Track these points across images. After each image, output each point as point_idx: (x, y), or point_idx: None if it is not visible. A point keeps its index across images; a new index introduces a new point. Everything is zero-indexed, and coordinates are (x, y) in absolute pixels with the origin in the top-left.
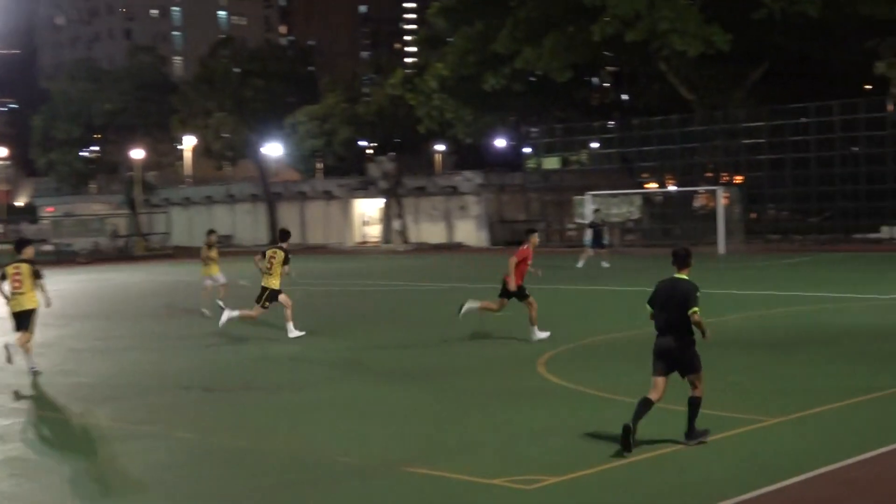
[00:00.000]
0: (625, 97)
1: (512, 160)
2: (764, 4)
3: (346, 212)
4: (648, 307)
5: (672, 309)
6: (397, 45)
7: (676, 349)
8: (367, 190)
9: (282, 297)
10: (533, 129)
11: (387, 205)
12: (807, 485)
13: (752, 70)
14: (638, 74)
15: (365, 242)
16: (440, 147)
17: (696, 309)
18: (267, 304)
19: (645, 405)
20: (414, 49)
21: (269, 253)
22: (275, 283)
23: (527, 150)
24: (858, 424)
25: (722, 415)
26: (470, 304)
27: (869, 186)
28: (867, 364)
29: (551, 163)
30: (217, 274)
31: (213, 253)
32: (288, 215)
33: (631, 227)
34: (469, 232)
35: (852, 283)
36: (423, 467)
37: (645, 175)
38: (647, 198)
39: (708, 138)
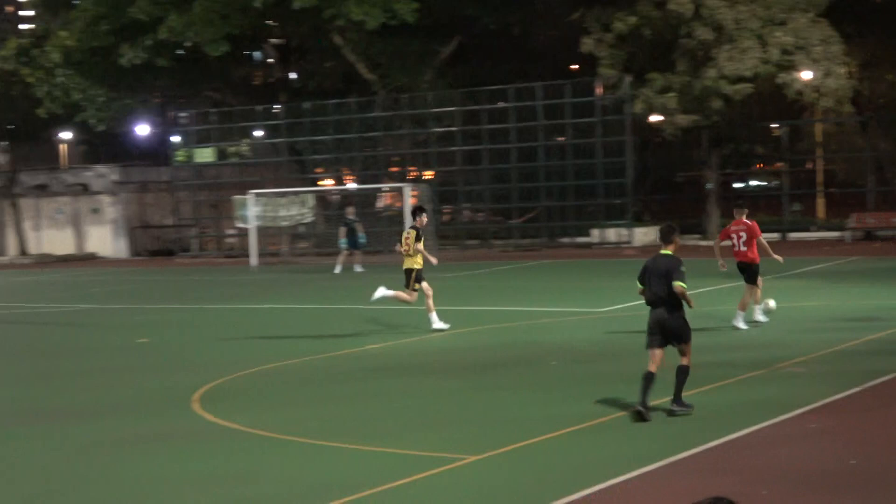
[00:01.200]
0: (293, 76)
1: (157, 152)
2: None
3: None
4: (639, 284)
5: (657, 283)
6: (10, 8)
7: (668, 320)
8: None
9: (423, 285)
10: (182, 114)
11: None
12: None
13: (443, 46)
14: (309, 49)
15: None
16: (66, 135)
17: (679, 282)
18: (416, 285)
19: (648, 379)
20: (31, 13)
21: (403, 235)
22: (417, 262)
23: (175, 139)
24: (574, 458)
25: (413, 454)
26: (767, 305)
27: (577, 182)
28: (581, 388)
29: (205, 155)
30: None
31: None
32: None
33: (302, 232)
34: (104, 240)
35: (561, 294)
36: None
37: (319, 170)
38: (322, 197)
39: (392, 126)
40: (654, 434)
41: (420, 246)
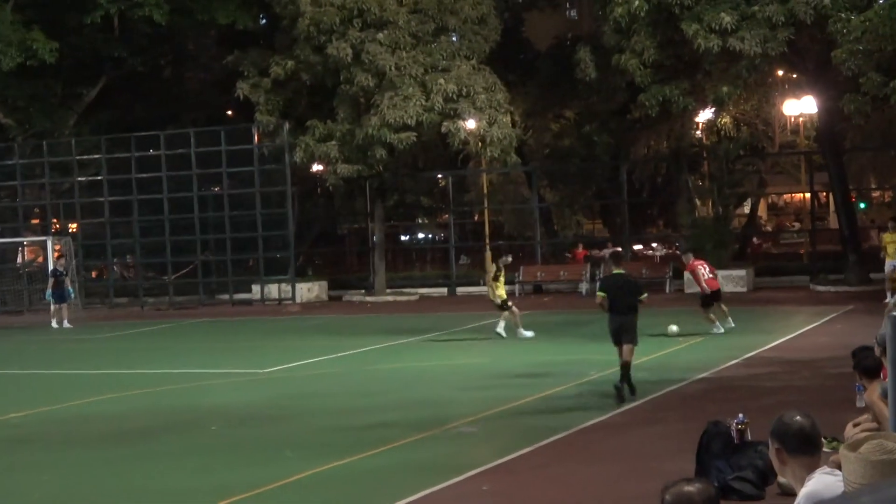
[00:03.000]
0: None
1: None
2: (99, 5)
3: None
4: (601, 293)
5: (626, 294)
6: None
7: (629, 323)
8: None
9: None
10: None
11: None
12: None
13: (87, 88)
14: None
15: None
16: None
17: (645, 294)
18: (510, 303)
19: (625, 366)
20: None
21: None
22: (501, 290)
23: None
24: None
25: None
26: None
27: (235, 235)
28: (244, 454)
29: None
30: None
31: None
32: None
33: None
34: None
35: (221, 354)
36: None
37: None
38: None
39: (33, 175)
40: (326, 502)
41: (498, 283)
